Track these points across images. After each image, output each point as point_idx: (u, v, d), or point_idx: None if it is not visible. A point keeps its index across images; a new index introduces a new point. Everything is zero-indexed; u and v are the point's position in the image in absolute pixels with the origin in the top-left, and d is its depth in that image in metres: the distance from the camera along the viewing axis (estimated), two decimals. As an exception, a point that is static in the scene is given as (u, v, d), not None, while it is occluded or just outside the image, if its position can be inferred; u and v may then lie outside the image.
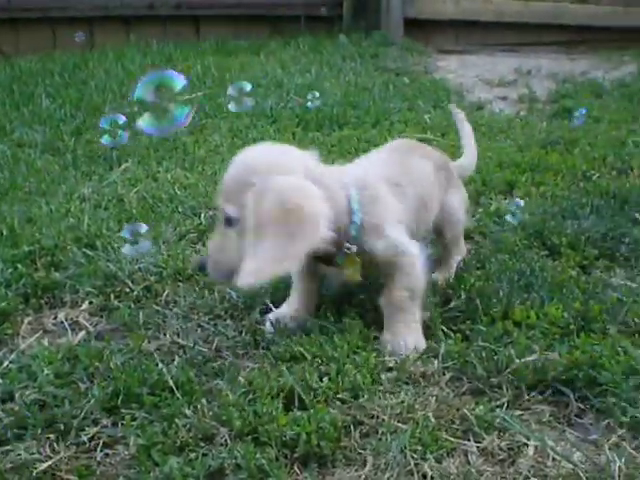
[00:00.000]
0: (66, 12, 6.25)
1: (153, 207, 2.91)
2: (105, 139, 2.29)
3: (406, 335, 2.02)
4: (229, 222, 1.92)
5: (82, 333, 2.14)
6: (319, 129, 3.96)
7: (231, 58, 5.74)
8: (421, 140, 3.65)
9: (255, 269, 1.80)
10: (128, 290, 2.32)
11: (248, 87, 2.42)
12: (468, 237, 2.77)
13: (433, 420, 1.68)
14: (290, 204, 1.82)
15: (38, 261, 2.46)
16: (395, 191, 2.12)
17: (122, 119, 2.30)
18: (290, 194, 1.84)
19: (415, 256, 2.04)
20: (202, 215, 2.84)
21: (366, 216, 2.01)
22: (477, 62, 6.13)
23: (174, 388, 1.79)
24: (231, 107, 2.43)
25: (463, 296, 2.19)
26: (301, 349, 1.93)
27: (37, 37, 6.27)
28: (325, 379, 1.80)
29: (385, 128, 3.91)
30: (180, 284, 2.37)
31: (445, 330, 2.05)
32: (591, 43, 6.85)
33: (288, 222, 1.81)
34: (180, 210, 2.89)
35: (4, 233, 2.63)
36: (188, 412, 1.71)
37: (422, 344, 2.02)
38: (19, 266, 2.40)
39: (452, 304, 2.17)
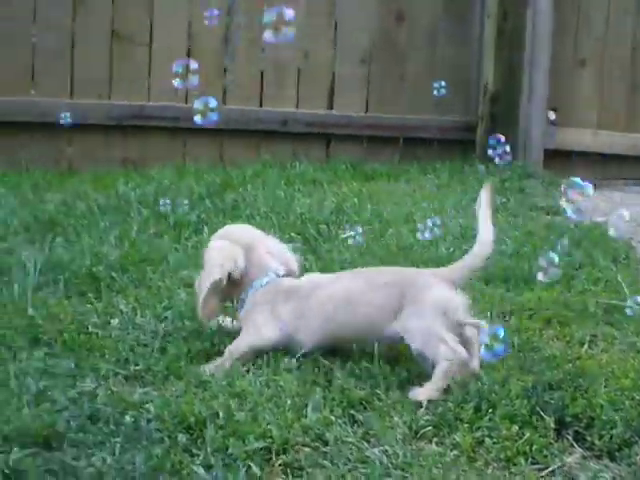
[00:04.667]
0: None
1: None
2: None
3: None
4: None
5: None
6: (503, 283, 3.67)
7: (371, 184, 5.54)
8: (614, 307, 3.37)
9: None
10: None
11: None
12: None
13: None
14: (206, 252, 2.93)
15: (275, 462, 2.19)
16: None
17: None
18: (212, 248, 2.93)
19: None
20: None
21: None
22: (624, 199, 5.85)
23: None
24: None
25: None
26: None
27: (166, 147, 6.18)
28: None
29: (577, 289, 3.62)
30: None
31: None
32: None
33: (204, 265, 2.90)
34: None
35: (220, 414, 2.37)
36: None
37: None
38: (252, 466, 2.13)
39: None
